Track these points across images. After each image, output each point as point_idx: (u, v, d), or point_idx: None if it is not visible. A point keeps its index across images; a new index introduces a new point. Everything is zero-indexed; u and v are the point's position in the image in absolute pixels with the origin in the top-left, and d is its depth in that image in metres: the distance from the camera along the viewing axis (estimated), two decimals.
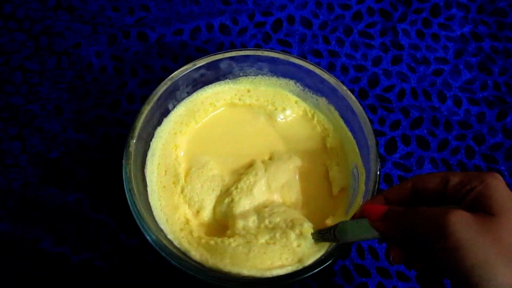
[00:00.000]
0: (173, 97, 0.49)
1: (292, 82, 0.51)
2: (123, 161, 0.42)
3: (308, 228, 0.41)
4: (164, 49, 0.60)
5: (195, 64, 0.47)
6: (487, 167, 0.54)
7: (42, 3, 0.62)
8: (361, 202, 0.42)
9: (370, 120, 0.47)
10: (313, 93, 0.50)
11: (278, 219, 0.43)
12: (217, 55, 0.48)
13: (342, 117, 0.48)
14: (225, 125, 0.51)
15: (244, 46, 0.60)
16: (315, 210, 0.46)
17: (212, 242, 0.43)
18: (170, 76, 0.47)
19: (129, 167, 0.42)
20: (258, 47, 0.60)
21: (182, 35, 0.60)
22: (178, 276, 0.48)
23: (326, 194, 0.47)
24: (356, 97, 0.46)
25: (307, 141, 0.50)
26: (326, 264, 0.39)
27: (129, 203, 0.41)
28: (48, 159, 0.53)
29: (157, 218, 0.44)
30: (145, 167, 0.46)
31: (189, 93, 0.50)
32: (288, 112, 0.51)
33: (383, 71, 0.59)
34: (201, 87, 0.50)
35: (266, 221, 0.43)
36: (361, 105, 0.45)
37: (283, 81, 0.51)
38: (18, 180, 0.52)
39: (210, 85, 0.51)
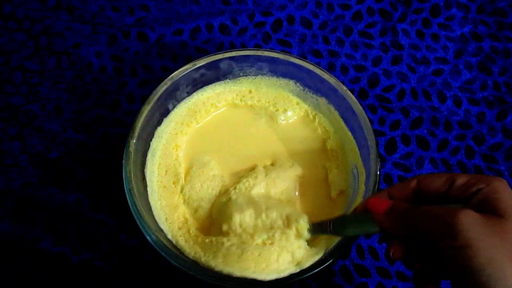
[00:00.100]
0: (173, 97, 0.49)
1: (292, 82, 0.51)
2: (123, 161, 0.42)
3: (304, 224, 0.41)
4: (164, 49, 0.60)
5: (195, 64, 0.47)
6: (487, 167, 0.54)
7: (42, 3, 0.62)
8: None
9: (370, 120, 0.47)
10: (313, 93, 0.50)
11: (274, 214, 0.42)
12: (217, 55, 0.48)
13: (342, 117, 0.48)
14: (226, 125, 0.51)
15: (244, 46, 0.60)
16: (313, 212, 0.46)
17: (207, 240, 0.43)
18: (170, 76, 0.47)
19: (129, 167, 0.42)
20: (258, 47, 0.60)
21: (182, 35, 0.60)
22: (178, 276, 0.48)
23: (325, 197, 0.47)
24: (356, 97, 0.46)
25: (307, 143, 0.50)
26: (326, 264, 0.39)
27: (129, 203, 0.41)
28: (48, 159, 0.53)
29: (156, 218, 0.44)
30: (145, 167, 0.46)
31: (189, 93, 0.50)
32: (289, 114, 0.51)
33: (383, 71, 0.59)
34: (201, 87, 0.51)
35: (263, 216, 0.42)
36: (361, 105, 0.45)
37: (283, 81, 0.51)
38: (18, 180, 0.52)
39: (210, 85, 0.51)
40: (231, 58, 0.48)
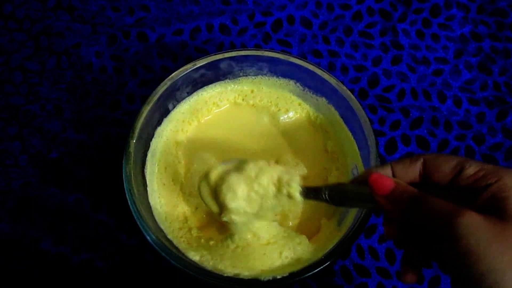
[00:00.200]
0: (173, 97, 0.49)
1: (292, 82, 0.51)
2: (123, 161, 0.42)
3: (295, 187, 0.39)
4: (164, 49, 0.60)
5: (195, 64, 0.47)
6: None
7: (42, 3, 0.62)
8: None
9: (370, 120, 0.47)
10: (313, 93, 0.50)
11: (265, 180, 0.39)
12: (217, 55, 0.48)
13: (342, 117, 0.48)
14: (228, 124, 0.51)
15: (244, 46, 0.60)
16: (311, 211, 0.46)
17: (212, 242, 0.43)
18: (170, 76, 0.47)
19: (129, 167, 0.42)
20: (258, 47, 0.60)
21: (182, 35, 0.60)
22: (178, 276, 0.48)
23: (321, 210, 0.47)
24: (356, 97, 0.46)
25: (308, 143, 0.50)
26: (326, 264, 0.39)
27: (129, 203, 0.41)
28: (48, 159, 0.53)
29: (156, 218, 0.44)
30: (145, 167, 0.46)
31: (189, 93, 0.50)
32: (291, 114, 0.51)
33: (383, 71, 0.59)
34: (201, 87, 0.50)
35: (255, 186, 0.39)
36: (361, 105, 0.45)
37: (283, 81, 0.51)
38: (18, 180, 0.52)
39: (210, 85, 0.51)
40: (231, 58, 0.48)
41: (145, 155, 0.47)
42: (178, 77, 0.47)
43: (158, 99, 0.46)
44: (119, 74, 0.58)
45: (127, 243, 0.49)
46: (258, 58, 0.49)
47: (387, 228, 0.34)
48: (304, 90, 0.50)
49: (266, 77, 0.51)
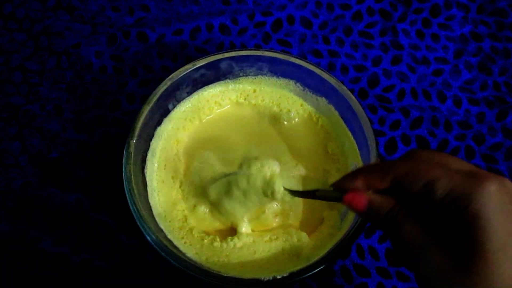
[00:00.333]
0: (173, 97, 0.49)
1: (292, 82, 0.51)
2: (123, 161, 0.42)
3: (279, 187, 0.42)
4: (164, 49, 0.60)
5: (195, 64, 0.47)
6: (487, 167, 0.54)
7: (42, 3, 0.62)
8: None
9: (370, 120, 0.47)
10: (313, 93, 0.50)
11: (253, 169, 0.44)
12: (217, 55, 0.48)
13: (342, 117, 0.48)
14: (229, 123, 0.51)
15: (244, 46, 0.60)
16: (310, 210, 0.46)
17: (216, 243, 0.43)
18: (170, 76, 0.47)
19: (129, 167, 0.42)
20: (258, 47, 0.60)
21: (182, 35, 0.60)
22: (178, 276, 0.48)
23: (324, 203, 0.47)
24: (356, 97, 0.46)
25: (309, 144, 0.50)
26: (326, 264, 0.39)
27: (129, 203, 0.41)
28: (48, 159, 0.53)
29: (156, 217, 0.44)
30: (145, 167, 0.46)
31: (189, 93, 0.50)
32: (292, 115, 0.51)
33: (383, 71, 0.59)
34: (201, 87, 0.50)
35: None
36: (361, 105, 0.45)
37: (283, 81, 0.51)
38: (18, 180, 0.52)
39: (210, 85, 0.51)
40: (231, 58, 0.48)
41: (145, 155, 0.47)
42: (178, 77, 0.47)
43: (158, 99, 0.46)
44: (119, 74, 0.58)
45: (127, 243, 0.49)
46: (258, 58, 0.49)
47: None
48: (304, 90, 0.50)
49: (266, 77, 0.51)
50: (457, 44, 0.61)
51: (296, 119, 0.51)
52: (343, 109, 0.48)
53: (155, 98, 0.46)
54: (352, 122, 0.47)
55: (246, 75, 0.51)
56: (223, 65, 0.49)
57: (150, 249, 0.43)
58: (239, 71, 0.51)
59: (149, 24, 0.61)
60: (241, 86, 0.52)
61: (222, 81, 0.51)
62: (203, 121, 0.51)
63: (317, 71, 0.47)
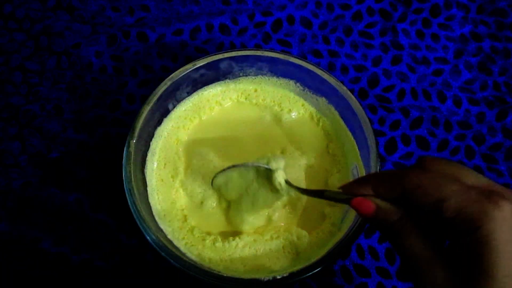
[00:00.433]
0: (173, 97, 0.49)
1: (292, 82, 0.51)
2: (123, 161, 0.42)
3: (284, 182, 0.42)
4: (164, 49, 0.60)
5: (195, 64, 0.47)
6: (487, 167, 0.54)
7: (42, 3, 0.62)
8: None
9: (370, 120, 0.47)
10: (313, 93, 0.50)
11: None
12: (217, 55, 0.48)
13: (342, 117, 0.48)
14: (230, 122, 0.51)
15: (244, 46, 0.60)
16: (312, 207, 0.47)
17: (218, 243, 0.43)
18: (170, 76, 0.47)
19: (129, 167, 0.42)
20: (258, 47, 0.60)
21: (182, 35, 0.60)
22: (178, 276, 0.48)
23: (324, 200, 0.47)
24: (356, 97, 0.46)
25: (310, 144, 0.50)
26: (326, 264, 0.39)
27: (129, 203, 0.41)
28: (48, 159, 0.53)
29: (156, 217, 0.44)
30: (145, 167, 0.46)
31: (189, 93, 0.50)
32: (293, 115, 0.51)
33: (383, 71, 0.59)
34: (201, 87, 0.51)
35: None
36: (361, 105, 0.45)
37: (283, 81, 0.51)
38: (18, 180, 0.52)
39: (210, 85, 0.51)
40: (231, 58, 0.48)
41: (145, 155, 0.47)
42: (178, 77, 0.47)
43: (158, 99, 0.46)
44: (119, 74, 0.58)
45: (127, 243, 0.49)
46: (258, 58, 0.49)
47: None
48: (304, 90, 0.50)
49: (266, 77, 0.51)
50: (457, 44, 0.61)
51: (297, 120, 0.51)
52: (343, 109, 0.48)
53: (155, 98, 0.46)
54: (352, 122, 0.47)
55: (246, 75, 0.51)
56: (223, 65, 0.49)
57: (150, 249, 0.43)
58: (239, 71, 0.51)
59: (149, 24, 0.61)
60: (241, 86, 0.52)
61: (222, 81, 0.51)
62: (204, 120, 0.51)
63: (317, 71, 0.47)
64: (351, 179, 0.47)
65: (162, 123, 0.49)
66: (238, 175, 0.43)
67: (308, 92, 0.50)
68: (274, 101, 0.51)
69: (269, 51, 0.49)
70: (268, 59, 0.49)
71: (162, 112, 0.48)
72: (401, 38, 0.61)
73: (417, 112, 0.57)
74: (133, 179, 0.42)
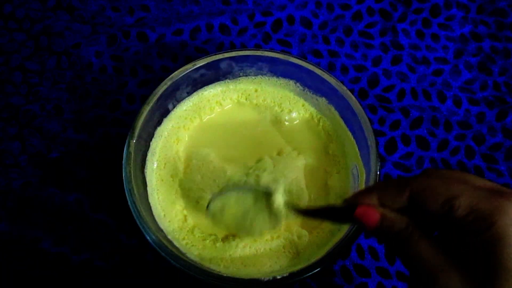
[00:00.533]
0: (173, 97, 0.49)
1: (292, 82, 0.51)
2: (123, 161, 0.42)
3: (279, 205, 0.40)
4: (164, 49, 0.60)
5: (195, 64, 0.47)
6: (487, 167, 0.54)
7: (42, 3, 0.62)
8: None
9: (370, 120, 0.47)
10: (313, 93, 0.50)
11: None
12: (217, 55, 0.48)
13: (342, 117, 0.48)
14: (230, 123, 0.51)
15: (244, 46, 0.60)
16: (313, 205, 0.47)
17: (218, 243, 0.43)
18: (170, 76, 0.47)
19: (129, 167, 0.42)
20: (258, 47, 0.60)
21: (182, 35, 0.60)
22: (178, 276, 0.48)
23: (324, 200, 0.47)
24: (356, 97, 0.46)
25: (310, 145, 0.50)
26: (326, 264, 0.39)
27: (129, 203, 0.41)
28: (48, 159, 0.53)
29: (156, 217, 0.44)
30: (145, 167, 0.46)
31: (189, 93, 0.50)
32: (294, 115, 0.51)
33: (383, 71, 0.59)
34: (201, 87, 0.51)
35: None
36: (361, 105, 0.45)
37: (283, 81, 0.51)
38: (18, 180, 0.52)
39: (210, 85, 0.51)
40: (231, 58, 0.48)
41: (145, 155, 0.47)
42: (178, 77, 0.47)
43: (158, 99, 0.46)
44: (119, 74, 0.58)
45: (127, 243, 0.49)
46: (258, 58, 0.49)
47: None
48: (304, 90, 0.50)
49: (266, 77, 0.51)
50: (457, 44, 0.61)
51: (298, 120, 0.51)
52: (343, 109, 0.48)
53: (155, 98, 0.46)
54: (352, 122, 0.47)
55: (246, 75, 0.51)
56: (223, 65, 0.49)
57: (150, 249, 0.43)
58: (239, 71, 0.51)
59: (149, 24, 0.61)
60: (242, 86, 0.52)
61: (222, 81, 0.51)
62: (204, 120, 0.51)
63: (317, 71, 0.47)
64: (351, 179, 0.47)
65: (162, 123, 0.49)
66: (235, 201, 0.42)
67: (308, 92, 0.50)
68: (274, 102, 0.51)
69: (269, 51, 0.49)
70: (268, 59, 0.49)
71: (162, 112, 0.48)
72: (401, 38, 0.61)
73: (417, 112, 0.57)
74: (133, 179, 0.42)
